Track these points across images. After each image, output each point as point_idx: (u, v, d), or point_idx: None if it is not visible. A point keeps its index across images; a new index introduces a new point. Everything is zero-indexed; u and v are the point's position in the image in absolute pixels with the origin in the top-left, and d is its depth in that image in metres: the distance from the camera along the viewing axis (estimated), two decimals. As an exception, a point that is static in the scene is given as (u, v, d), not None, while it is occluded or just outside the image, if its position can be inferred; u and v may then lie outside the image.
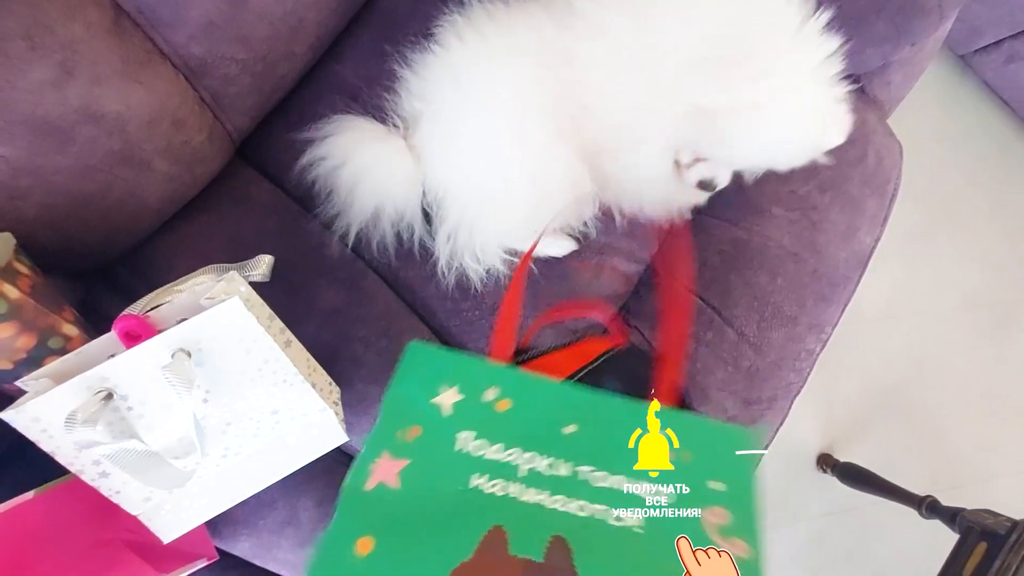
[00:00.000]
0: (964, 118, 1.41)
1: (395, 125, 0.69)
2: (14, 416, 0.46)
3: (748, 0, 0.59)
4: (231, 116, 0.69)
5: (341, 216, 0.69)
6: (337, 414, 0.60)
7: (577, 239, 0.73)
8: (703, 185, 0.65)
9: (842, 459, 1.32)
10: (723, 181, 0.65)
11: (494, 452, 0.40)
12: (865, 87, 0.80)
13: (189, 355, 0.50)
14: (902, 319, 1.39)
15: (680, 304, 0.69)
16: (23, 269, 0.50)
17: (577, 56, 0.61)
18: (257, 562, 0.70)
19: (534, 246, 0.64)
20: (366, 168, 0.66)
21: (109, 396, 0.49)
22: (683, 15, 0.59)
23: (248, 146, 0.75)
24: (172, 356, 0.49)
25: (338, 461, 0.70)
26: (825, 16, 0.59)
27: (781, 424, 0.80)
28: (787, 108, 0.58)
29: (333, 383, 0.64)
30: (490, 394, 0.43)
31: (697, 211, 0.75)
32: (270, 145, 0.75)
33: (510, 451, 0.40)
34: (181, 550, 0.63)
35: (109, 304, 0.62)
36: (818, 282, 0.78)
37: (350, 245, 0.70)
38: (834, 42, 0.60)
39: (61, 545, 0.54)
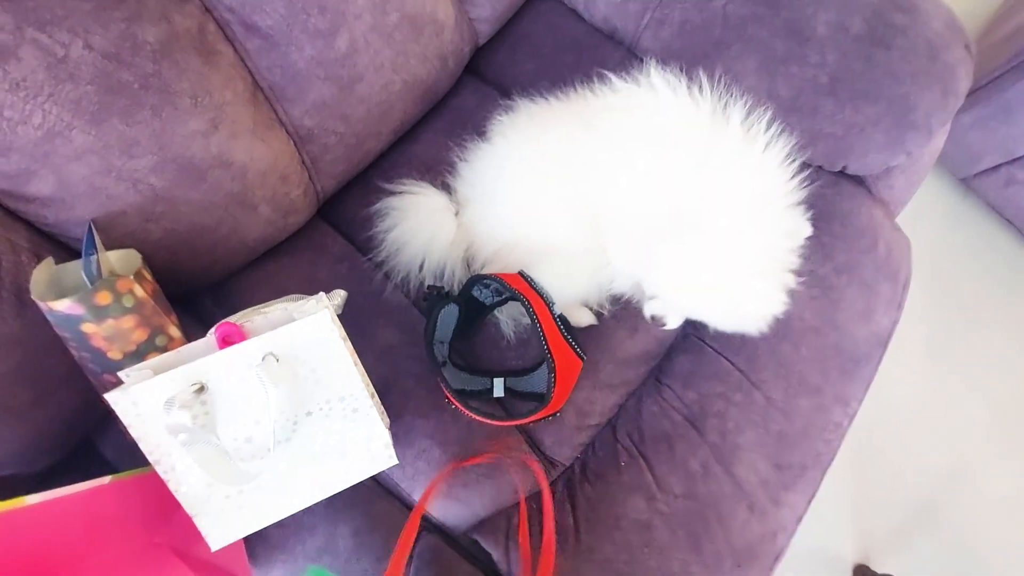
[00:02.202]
0: (969, 235, 1.51)
1: (453, 200, 0.82)
2: (118, 397, 0.52)
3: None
4: (322, 178, 0.81)
5: (395, 266, 0.79)
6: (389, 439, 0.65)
7: (599, 314, 0.80)
8: (655, 320, 0.73)
9: (880, 572, 1.25)
10: (672, 323, 0.72)
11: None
12: (871, 188, 0.91)
13: (277, 360, 0.56)
14: (932, 425, 1.39)
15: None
16: (147, 276, 0.59)
17: (592, 159, 0.72)
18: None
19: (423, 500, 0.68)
20: (416, 229, 0.78)
21: (201, 389, 0.55)
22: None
23: (327, 206, 0.87)
24: (263, 358, 0.55)
25: (376, 492, 0.72)
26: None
27: (813, 496, 0.80)
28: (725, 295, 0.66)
29: (384, 412, 0.69)
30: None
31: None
32: (346, 207, 0.87)
33: None
34: (221, 567, 0.64)
35: (191, 331, 0.70)
36: (840, 356, 0.83)
37: (405, 292, 0.79)
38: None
39: (119, 537, 0.57)
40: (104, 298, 0.53)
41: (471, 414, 0.67)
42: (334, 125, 0.77)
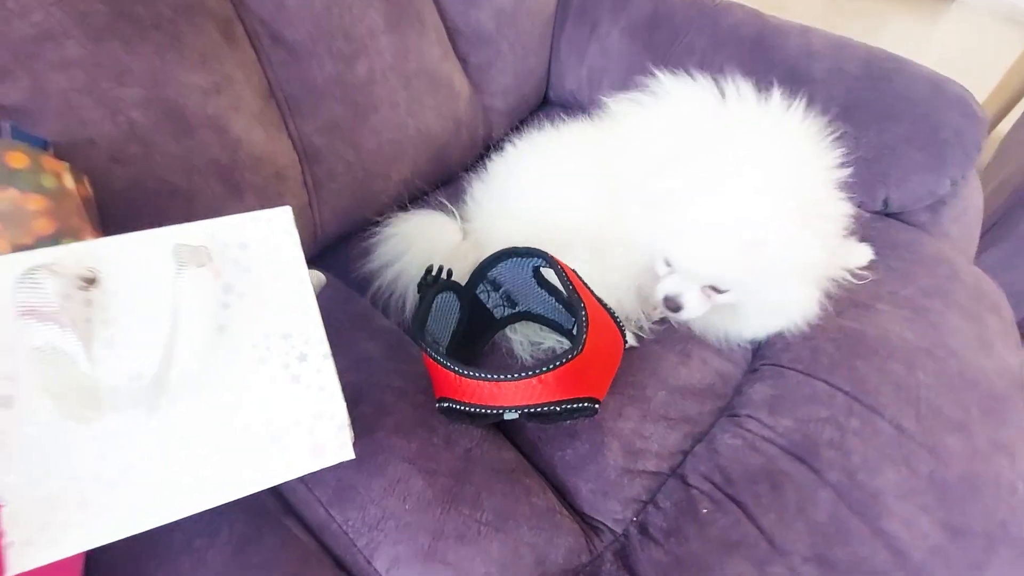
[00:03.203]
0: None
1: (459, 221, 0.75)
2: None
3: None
4: (323, 209, 0.75)
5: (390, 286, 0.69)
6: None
7: (637, 335, 0.65)
8: (668, 302, 0.60)
9: None
10: (689, 306, 0.59)
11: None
12: (927, 230, 0.82)
13: (209, 258, 0.42)
14: None
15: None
16: (86, 185, 0.49)
17: (608, 150, 0.68)
18: None
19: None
20: (415, 233, 0.70)
21: (92, 282, 0.40)
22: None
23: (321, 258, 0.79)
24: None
25: (301, 550, 0.46)
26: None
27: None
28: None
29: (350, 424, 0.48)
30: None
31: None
32: (340, 259, 0.78)
33: None
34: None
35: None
36: (973, 389, 0.61)
37: (398, 321, 0.67)
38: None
39: None
40: (18, 160, 0.42)
41: (461, 375, 0.46)
42: (344, 151, 0.75)
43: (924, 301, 0.68)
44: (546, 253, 0.53)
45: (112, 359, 0.39)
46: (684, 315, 0.59)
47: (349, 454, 0.43)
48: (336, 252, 0.79)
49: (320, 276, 0.61)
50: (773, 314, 0.63)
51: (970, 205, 0.85)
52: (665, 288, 0.59)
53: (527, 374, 0.43)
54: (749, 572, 0.45)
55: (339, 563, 0.47)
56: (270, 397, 0.42)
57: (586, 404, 0.48)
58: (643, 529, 0.50)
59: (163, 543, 0.43)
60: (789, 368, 0.62)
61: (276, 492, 0.50)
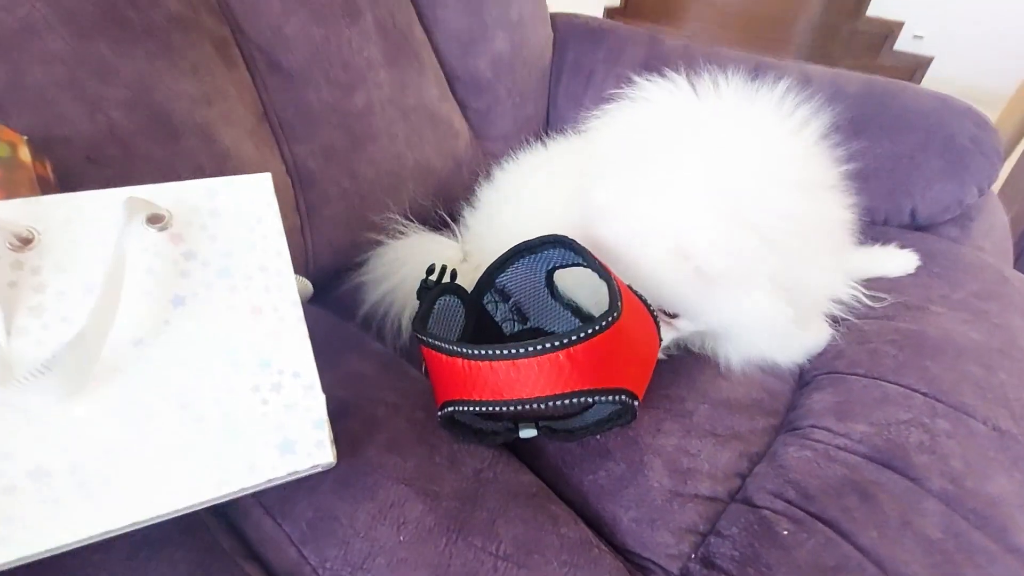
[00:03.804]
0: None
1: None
2: None
3: None
4: (316, 237, 0.71)
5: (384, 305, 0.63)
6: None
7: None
8: None
9: None
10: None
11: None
12: (960, 243, 0.77)
13: (170, 215, 0.36)
14: None
15: None
16: (48, 168, 0.44)
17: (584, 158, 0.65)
18: None
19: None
20: (413, 250, 0.67)
21: (28, 241, 0.33)
22: None
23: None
24: (146, 218, 0.36)
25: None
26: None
27: None
28: None
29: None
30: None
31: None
32: (333, 294, 0.72)
33: None
34: None
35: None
36: (1065, 391, 0.53)
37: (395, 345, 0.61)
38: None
39: None
40: (-32, 122, 0.38)
41: (470, 358, 0.37)
42: (340, 177, 0.72)
43: (980, 304, 0.61)
44: (561, 236, 0.47)
45: (38, 330, 0.31)
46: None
47: (327, 456, 0.34)
48: (330, 288, 0.73)
49: (306, 283, 0.55)
50: (753, 337, 0.53)
51: (997, 222, 0.81)
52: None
53: (551, 345, 0.35)
54: (860, 602, 0.34)
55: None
56: (233, 384, 0.34)
57: (624, 399, 0.39)
58: (708, 563, 0.39)
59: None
60: (848, 374, 0.53)
61: (234, 528, 0.40)
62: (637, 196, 0.49)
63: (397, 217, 0.71)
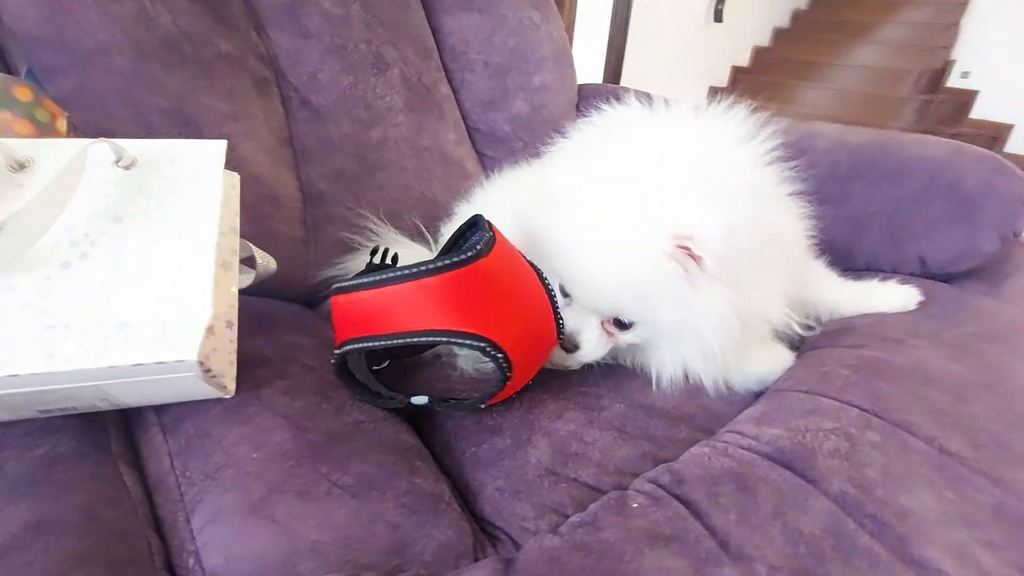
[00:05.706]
0: None
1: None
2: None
3: None
4: (318, 252, 0.78)
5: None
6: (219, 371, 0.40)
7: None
8: (564, 341, 0.50)
9: None
10: (587, 347, 0.50)
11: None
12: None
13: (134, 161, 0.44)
14: None
15: None
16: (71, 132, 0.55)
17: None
18: None
19: None
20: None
21: (23, 166, 0.43)
22: None
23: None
24: (117, 160, 0.44)
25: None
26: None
27: None
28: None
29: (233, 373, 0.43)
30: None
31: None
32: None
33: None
34: None
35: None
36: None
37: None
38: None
39: None
40: (23, 94, 0.50)
41: (351, 290, 0.40)
42: (346, 199, 0.81)
43: (978, 344, 0.54)
44: (476, 216, 0.49)
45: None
46: (581, 357, 0.50)
47: (191, 353, 0.37)
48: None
49: (269, 259, 0.61)
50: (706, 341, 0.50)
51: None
52: (568, 322, 0.50)
53: (406, 272, 0.37)
54: (680, 568, 0.30)
55: (158, 524, 0.37)
56: (145, 286, 0.39)
57: (484, 347, 0.39)
58: (551, 530, 0.36)
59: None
60: (789, 391, 0.49)
61: (127, 436, 0.43)
62: (601, 182, 0.49)
63: (375, 221, 0.77)
